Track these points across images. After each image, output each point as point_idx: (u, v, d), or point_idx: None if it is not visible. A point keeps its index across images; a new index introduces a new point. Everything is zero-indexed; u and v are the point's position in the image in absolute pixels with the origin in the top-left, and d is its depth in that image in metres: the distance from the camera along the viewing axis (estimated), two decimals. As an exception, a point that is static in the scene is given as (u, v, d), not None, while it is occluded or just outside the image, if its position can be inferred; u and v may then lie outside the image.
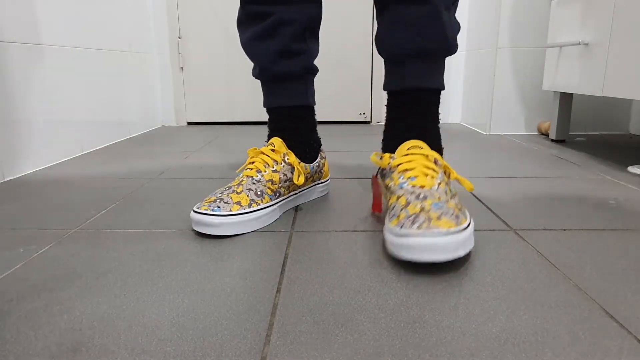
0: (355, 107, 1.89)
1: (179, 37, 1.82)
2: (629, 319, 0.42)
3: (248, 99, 1.87)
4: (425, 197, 0.54)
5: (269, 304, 0.45)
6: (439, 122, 0.70)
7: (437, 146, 0.68)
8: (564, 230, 0.64)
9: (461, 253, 0.50)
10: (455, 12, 0.68)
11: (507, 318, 0.42)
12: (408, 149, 0.62)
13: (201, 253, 0.57)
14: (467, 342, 0.39)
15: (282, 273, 0.52)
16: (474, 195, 0.82)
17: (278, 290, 0.48)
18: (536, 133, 1.56)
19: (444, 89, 0.69)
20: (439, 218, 0.50)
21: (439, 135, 0.69)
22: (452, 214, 0.52)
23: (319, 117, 0.81)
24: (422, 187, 0.56)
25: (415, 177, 0.58)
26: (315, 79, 0.79)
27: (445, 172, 0.61)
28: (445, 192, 0.57)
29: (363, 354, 0.37)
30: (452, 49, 0.67)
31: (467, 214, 0.56)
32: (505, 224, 0.67)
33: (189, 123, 1.91)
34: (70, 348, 0.38)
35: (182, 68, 1.85)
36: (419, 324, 0.41)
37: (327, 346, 0.38)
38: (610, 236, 0.62)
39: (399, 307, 0.44)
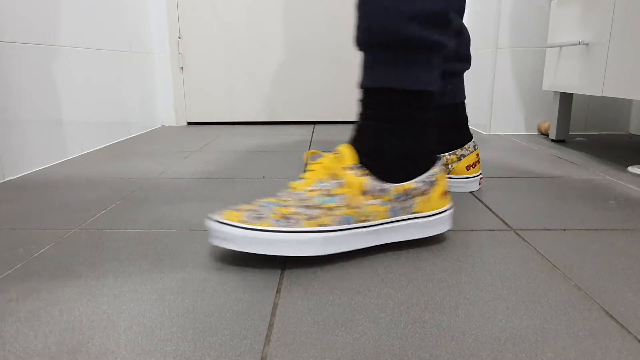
0: (355, 107, 1.89)
1: (179, 37, 1.82)
2: (629, 319, 0.42)
3: (248, 98, 1.87)
4: (277, 197, 0.56)
5: (269, 304, 0.45)
6: (409, 124, 0.56)
7: (372, 149, 0.55)
8: (564, 230, 0.64)
9: (251, 250, 0.51)
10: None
11: (507, 318, 0.42)
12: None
13: (201, 253, 0.57)
14: (467, 342, 0.39)
15: (282, 273, 0.52)
16: (474, 195, 0.82)
17: (278, 290, 0.48)
18: (536, 133, 1.56)
19: (417, 88, 0.55)
20: (259, 218, 0.52)
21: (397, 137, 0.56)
22: (264, 217, 0.52)
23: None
24: (294, 189, 0.56)
25: (304, 178, 0.56)
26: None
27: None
28: (303, 199, 0.54)
29: (363, 354, 0.37)
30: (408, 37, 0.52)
31: (293, 222, 0.52)
32: (505, 224, 0.67)
33: (189, 123, 1.91)
34: (70, 348, 0.38)
35: (182, 68, 1.85)
36: (419, 324, 0.41)
37: (327, 346, 0.38)
38: (610, 236, 0.62)
39: (399, 307, 0.44)
